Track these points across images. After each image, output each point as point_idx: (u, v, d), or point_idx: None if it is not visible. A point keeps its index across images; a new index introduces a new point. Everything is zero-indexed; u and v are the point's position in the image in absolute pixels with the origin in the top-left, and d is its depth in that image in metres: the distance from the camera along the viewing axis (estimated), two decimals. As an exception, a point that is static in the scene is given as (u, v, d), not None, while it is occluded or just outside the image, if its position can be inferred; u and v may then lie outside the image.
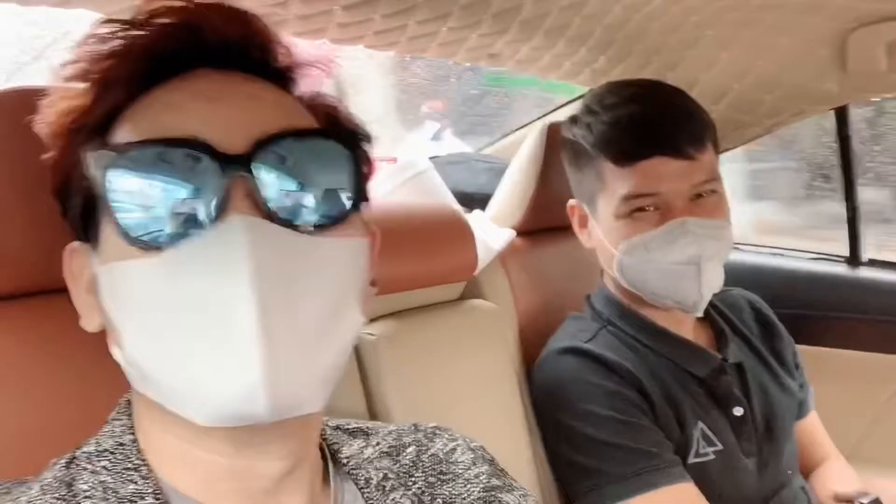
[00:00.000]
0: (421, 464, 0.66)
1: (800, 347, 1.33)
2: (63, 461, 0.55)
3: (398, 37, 1.17)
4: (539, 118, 1.79)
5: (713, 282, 1.09)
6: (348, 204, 0.53)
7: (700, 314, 1.13)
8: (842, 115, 1.59)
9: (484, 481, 0.67)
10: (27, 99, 0.65)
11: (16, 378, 0.66)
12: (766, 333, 1.29)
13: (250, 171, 0.47)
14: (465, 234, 1.12)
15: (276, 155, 0.49)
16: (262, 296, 0.45)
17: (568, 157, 1.21)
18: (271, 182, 0.48)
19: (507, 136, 1.91)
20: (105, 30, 0.51)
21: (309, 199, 0.50)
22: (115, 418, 0.57)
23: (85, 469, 0.53)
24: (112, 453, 0.54)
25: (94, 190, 0.50)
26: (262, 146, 0.48)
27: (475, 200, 1.52)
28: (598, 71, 1.44)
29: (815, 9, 1.25)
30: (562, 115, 1.30)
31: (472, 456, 0.69)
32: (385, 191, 1.34)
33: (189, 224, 0.47)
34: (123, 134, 0.51)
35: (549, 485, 1.16)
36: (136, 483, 0.52)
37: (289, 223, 0.48)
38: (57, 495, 0.51)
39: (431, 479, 0.65)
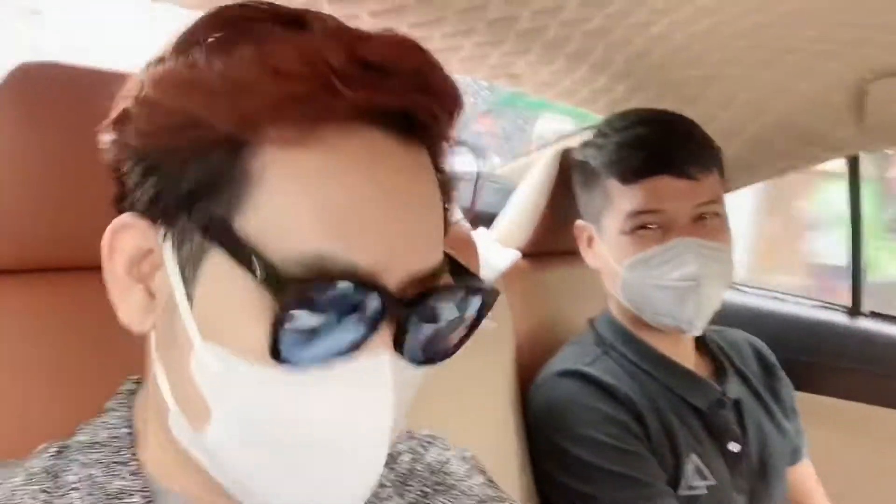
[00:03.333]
0: (416, 472, 0.65)
1: (795, 394, 1.33)
2: (53, 449, 0.53)
3: (421, 48, 1.17)
4: (551, 143, 1.79)
5: (712, 302, 1.11)
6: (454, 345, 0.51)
7: (697, 333, 1.14)
8: (854, 163, 1.60)
9: (479, 492, 0.66)
10: (36, 75, 0.65)
11: (13, 355, 0.65)
12: (766, 375, 1.29)
13: (407, 318, 0.45)
14: (469, 250, 1.11)
15: (431, 307, 0.47)
16: (390, 433, 0.46)
17: (578, 179, 1.24)
18: (416, 329, 0.47)
19: (518, 158, 1.91)
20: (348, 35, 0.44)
21: (438, 342, 0.49)
22: (113, 408, 0.55)
23: (76, 460, 0.51)
24: (105, 446, 0.52)
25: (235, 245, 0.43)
26: (428, 299, 0.46)
27: (481, 219, 1.52)
28: (616, 100, 1.44)
29: (836, 56, 1.26)
30: (575, 142, 1.30)
31: (466, 467, 0.68)
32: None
33: (331, 345, 0.44)
34: (285, 188, 0.43)
35: (536, 508, 1.15)
36: (123, 479, 0.50)
37: (412, 360, 0.47)
38: (41, 487, 0.50)
39: (426, 489, 0.64)
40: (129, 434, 0.53)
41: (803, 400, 1.40)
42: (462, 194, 1.48)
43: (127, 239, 0.48)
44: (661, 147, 1.12)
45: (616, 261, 1.14)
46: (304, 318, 0.42)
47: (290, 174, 0.44)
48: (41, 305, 0.67)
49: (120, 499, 0.49)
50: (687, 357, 1.20)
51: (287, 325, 0.42)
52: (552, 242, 1.40)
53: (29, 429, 0.60)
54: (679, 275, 1.08)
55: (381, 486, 0.61)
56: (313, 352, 0.44)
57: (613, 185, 1.14)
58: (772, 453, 1.18)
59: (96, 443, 0.53)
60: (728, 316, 1.15)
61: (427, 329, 0.48)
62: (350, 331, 0.44)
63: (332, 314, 0.43)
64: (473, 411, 1.12)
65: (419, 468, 0.65)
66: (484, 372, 1.17)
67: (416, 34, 1.10)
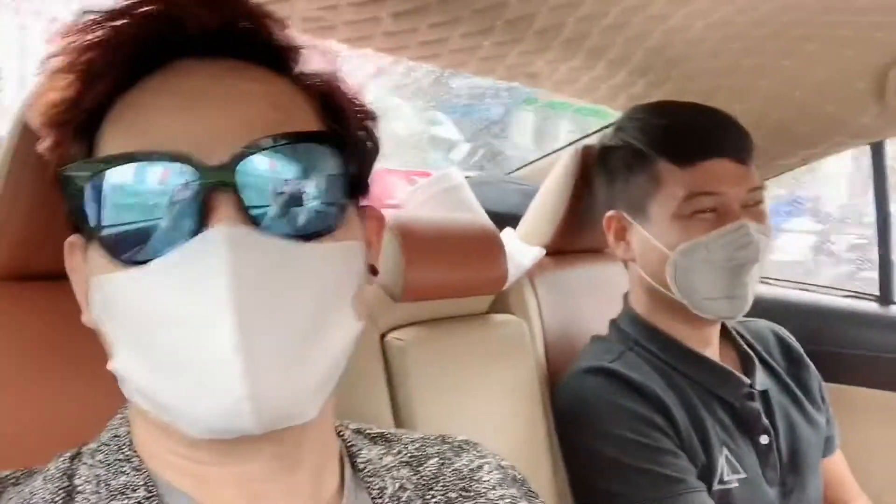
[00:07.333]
0: (442, 477, 0.63)
1: (828, 385, 1.31)
2: (69, 454, 0.55)
3: (440, 49, 1.18)
4: (571, 143, 1.80)
5: (757, 286, 1.12)
6: (341, 208, 0.52)
7: (741, 317, 1.13)
8: (878, 150, 1.58)
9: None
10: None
11: (17, 365, 0.67)
12: (793, 365, 1.27)
13: (234, 181, 0.47)
14: (495, 247, 1.13)
15: (261, 162, 0.48)
16: (241, 310, 0.45)
17: (611, 164, 1.20)
18: (256, 190, 0.47)
19: (539, 160, 1.92)
20: (87, 19, 0.50)
21: (298, 206, 0.49)
22: (119, 413, 0.57)
23: (84, 463, 0.53)
24: (107, 446, 0.54)
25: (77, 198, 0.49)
26: (245, 155, 0.47)
27: (505, 220, 1.52)
28: (634, 96, 1.44)
29: (855, 42, 1.25)
30: (594, 141, 1.31)
31: (499, 476, 0.66)
32: (417, 201, 1.35)
33: (171, 237, 0.46)
34: (108, 138, 0.50)
35: (569, 505, 1.15)
36: (127, 474, 0.52)
37: (276, 231, 0.48)
38: (59, 485, 0.52)
39: (452, 495, 0.62)
40: (129, 433, 0.55)
41: (835, 391, 1.39)
42: (483, 196, 1.49)
43: (75, 259, 0.54)
44: (712, 130, 1.12)
45: (667, 246, 1.10)
46: (112, 200, 0.47)
47: (114, 119, 0.51)
48: (44, 313, 0.68)
49: (125, 493, 0.51)
50: (713, 350, 1.18)
51: (97, 205, 0.47)
52: (576, 241, 1.41)
53: (36, 436, 0.64)
54: (737, 258, 1.07)
55: (403, 488, 0.60)
56: (140, 238, 0.47)
57: (665, 167, 1.11)
58: (802, 445, 1.17)
59: (101, 445, 0.55)
60: (756, 308, 1.14)
61: (270, 189, 0.48)
62: (169, 209, 0.47)
63: (138, 191, 0.47)
64: (503, 407, 1.13)
65: (447, 472, 0.64)
66: (513, 368, 1.17)
67: (435, 35, 1.12)
